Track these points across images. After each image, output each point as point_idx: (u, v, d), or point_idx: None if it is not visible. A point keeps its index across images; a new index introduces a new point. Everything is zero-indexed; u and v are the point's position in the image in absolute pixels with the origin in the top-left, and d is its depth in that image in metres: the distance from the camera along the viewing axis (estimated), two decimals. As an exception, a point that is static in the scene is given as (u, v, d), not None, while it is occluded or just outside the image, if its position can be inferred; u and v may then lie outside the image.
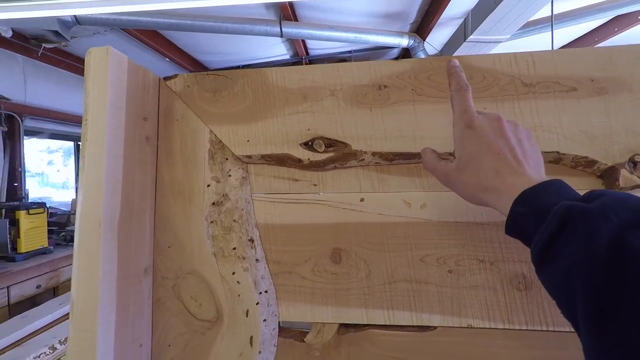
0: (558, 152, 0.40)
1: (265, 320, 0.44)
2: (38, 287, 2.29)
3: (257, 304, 0.44)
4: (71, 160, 4.26)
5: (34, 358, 1.44)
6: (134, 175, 0.42)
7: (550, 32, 1.97)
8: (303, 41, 3.40)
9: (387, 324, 0.42)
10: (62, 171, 4.40)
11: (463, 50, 2.32)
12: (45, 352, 1.49)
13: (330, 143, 0.43)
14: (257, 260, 0.44)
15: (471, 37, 2.15)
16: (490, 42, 2.21)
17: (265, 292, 0.44)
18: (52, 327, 1.72)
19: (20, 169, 2.88)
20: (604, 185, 0.39)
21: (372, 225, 0.43)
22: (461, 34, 2.31)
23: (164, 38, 3.38)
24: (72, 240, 2.77)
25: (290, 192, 0.45)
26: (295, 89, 0.44)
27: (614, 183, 0.39)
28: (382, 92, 0.43)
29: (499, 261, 0.41)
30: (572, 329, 0.39)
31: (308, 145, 0.44)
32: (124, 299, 0.41)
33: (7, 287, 2.10)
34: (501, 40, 2.19)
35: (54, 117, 3.29)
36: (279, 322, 0.44)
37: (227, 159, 0.45)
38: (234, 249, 0.44)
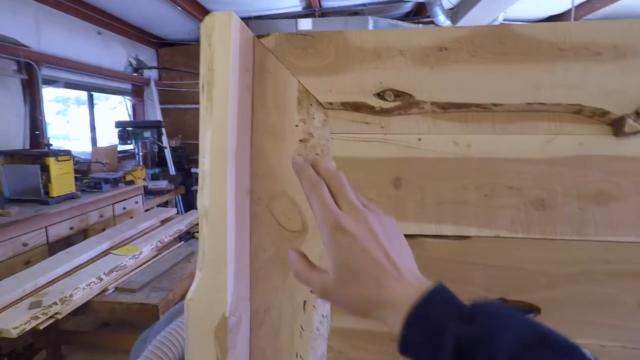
0: (580, 104, 0.51)
1: (340, 231, 0.57)
2: (71, 228, 2.47)
3: (335, 218, 0.57)
4: (81, 110, 4.27)
5: (85, 286, 1.63)
6: (241, 117, 0.53)
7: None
8: (316, -8, 3.34)
9: (434, 234, 0.56)
10: (71, 122, 4.42)
11: (481, 6, 2.32)
12: (94, 282, 1.67)
13: (398, 94, 0.54)
14: (334, 185, 0.57)
15: (490, -8, 2.15)
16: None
17: (341, 210, 0.57)
18: (94, 261, 1.91)
19: (40, 118, 2.96)
20: (612, 130, 0.51)
21: (427, 159, 0.55)
22: (480, -11, 2.31)
23: (175, -15, 3.33)
24: (95, 187, 2.92)
25: (362, 132, 0.56)
26: (370, 48, 0.54)
27: (620, 129, 0.50)
28: (443, 53, 0.53)
29: (523, 188, 0.54)
30: (575, 236, 0.53)
31: (379, 95, 0.54)
32: (238, 210, 0.53)
33: (45, 227, 2.27)
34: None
35: (69, 66, 3.31)
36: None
37: (312, 105, 0.56)
38: (317, 176, 0.57)
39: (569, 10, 3.32)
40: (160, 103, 4.72)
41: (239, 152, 0.54)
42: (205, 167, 0.51)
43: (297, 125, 0.57)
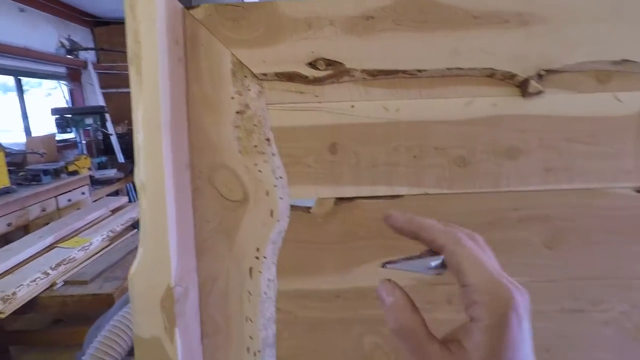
0: (492, 68, 0.56)
1: (281, 198, 0.59)
2: (9, 225, 2.31)
3: (275, 186, 0.59)
4: (9, 97, 3.92)
5: (30, 282, 1.55)
6: (174, 90, 0.53)
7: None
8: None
9: (370, 195, 0.60)
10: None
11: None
12: (39, 277, 1.60)
13: (329, 63, 0.56)
14: (273, 154, 0.59)
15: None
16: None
17: (280, 177, 0.59)
18: (38, 257, 1.81)
19: (-38, 107, 2.67)
20: (520, 92, 0.57)
21: (360, 125, 0.58)
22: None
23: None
24: (33, 179, 2.72)
25: (297, 101, 0.58)
26: (301, 18, 0.55)
27: (526, 90, 0.56)
28: (369, 22, 0.55)
29: (447, 148, 0.59)
30: (491, 189, 0.58)
31: (312, 64, 0.56)
32: (177, 184, 0.54)
33: (-22, 225, 2.11)
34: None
35: (-10, 48, 3.00)
36: (291, 200, 0.60)
37: (246, 77, 0.57)
38: (255, 146, 0.58)
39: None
40: (102, 87, 4.43)
41: (175, 125, 0.54)
42: (139, 141, 0.51)
43: (233, 97, 0.57)
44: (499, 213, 0.61)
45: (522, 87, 0.57)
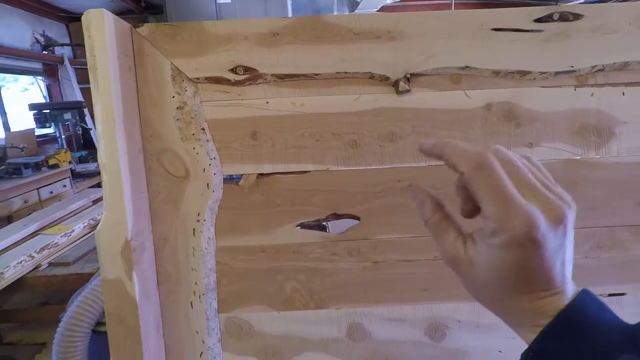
0: (371, 72, 0.74)
1: (215, 174, 0.77)
2: (-8, 215, 2.42)
3: (210, 165, 0.76)
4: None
5: (17, 264, 1.70)
6: (125, 91, 0.70)
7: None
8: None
9: (284, 171, 0.77)
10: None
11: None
12: (25, 259, 1.74)
13: (246, 69, 0.73)
14: (207, 140, 0.76)
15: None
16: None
17: (213, 158, 0.76)
18: (22, 243, 1.94)
19: (-60, 103, 2.75)
20: (394, 90, 0.75)
21: (274, 117, 0.76)
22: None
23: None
24: (14, 172, 2.83)
25: (224, 99, 0.75)
26: (223, 35, 0.72)
27: (397, 89, 0.74)
28: (275, 37, 0.73)
29: (342, 133, 0.77)
30: (378, 165, 0.76)
31: (233, 70, 0.73)
32: (132, 163, 0.71)
33: (-37, 216, 2.22)
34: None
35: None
36: (223, 175, 0.77)
37: (183, 80, 0.74)
38: (193, 134, 0.75)
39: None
40: (79, 82, 4.49)
41: (128, 119, 0.70)
42: (99, 131, 0.68)
43: (173, 97, 0.74)
44: (385, 184, 0.79)
45: (395, 87, 0.75)
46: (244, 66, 0.73)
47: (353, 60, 0.74)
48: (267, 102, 0.75)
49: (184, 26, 0.72)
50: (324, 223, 0.84)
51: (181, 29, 0.72)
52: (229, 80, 0.74)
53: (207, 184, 0.77)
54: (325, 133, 0.77)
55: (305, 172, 0.78)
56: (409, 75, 0.74)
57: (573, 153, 0.76)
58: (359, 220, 0.80)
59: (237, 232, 0.80)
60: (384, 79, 0.75)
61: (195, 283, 0.79)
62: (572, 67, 0.74)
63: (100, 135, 0.67)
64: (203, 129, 0.75)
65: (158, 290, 0.79)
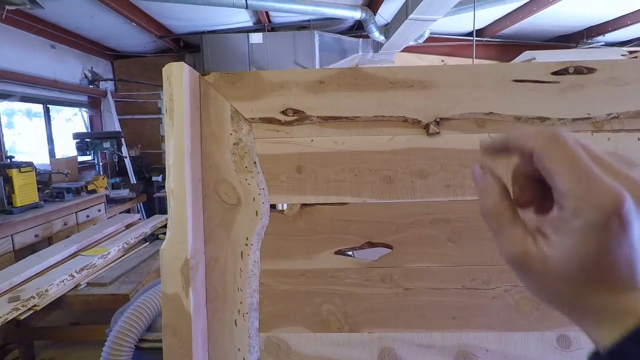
0: (404, 116, 0.84)
1: (263, 202, 0.86)
2: (36, 236, 2.59)
3: (259, 194, 0.86)
4: (33, 122, 4.28)
5: (59, 282, 1.81)
6: (193, 129, 0.81)
7: (473, 12, 2.41)
8: (266, 11, 3.63)
9: (324, 202, 0.86)
10: (23, 134, 4.40)
11: (406, 25, 2.72)
12: (66, 279, 1.86)
13: (295, 111, 0.84)
14: (258, 172, 0.86)
15: (411, 15, 2.54)
16: (426, 20, 2.62)
17: (263, 189, 0.86)
18: (64, 262, 2.07)
19: (-2, 131, 3.02)
20: (425, 132, 0.84)
21: (317, 153, 0.86)
22: (403, 12, 2.70)
23: (129, 3, 3.50)
24: (57, 196, 3.03)
25: (274, 137, 0.86)
26: (277, 82, 0.84)
27: (428, 131, 0.83)
28: (321, 85, 0.84)
29: (378, 170, 0.85)
30: (410, 199, 0.84)
31: (284, 112, 0.84)
32: (193, 191, 0.81)
33: (11, 235, 2.39)
34: (435, 19, 2.61)
35: (25, 80, 3.39)
36: (270, 204, 0.87)
37: (240, 120, 0.85)
38: (246, 167, 0.86)
39: (485, 27, 3.87)
40: (118, 114, 4.81)
41: (192, 152, 0.82)
42: (170, 162, 0.79)
43: (231, 134, 0.85)
44: (416, 216, 0.86)
45: (426, 129, 0.84)
46: (293, 109, 0.84)
47: (389, 105, 0.84)
48: (312, 140, 0.86)
49: (244, 74, 0.85)
50: (349, 252, 0.91)
51: (241, 77, 0.85)
52: (279, 120, 0.85)
53: (256, 211, 0.86)
54: (362, 169, 0.86)
55: (344, 203, 0.86)
56: (438, 120, 0.83)
57: (593, 192, 0.82)
58: (392, 249, 0.87)
59: (280, 256, 0.88)
60: (416, 122, 0.84)
61: (240, 302, 0.87)
62: (589, 114, 0.81)
63: (171, 165, 0.78)
64: (255, 163, 0.86)
65: (206, 308, 0.87)
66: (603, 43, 4.45)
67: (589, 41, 4.29)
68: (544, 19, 3.71)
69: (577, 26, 4.16)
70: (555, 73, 0.81)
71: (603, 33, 4.07)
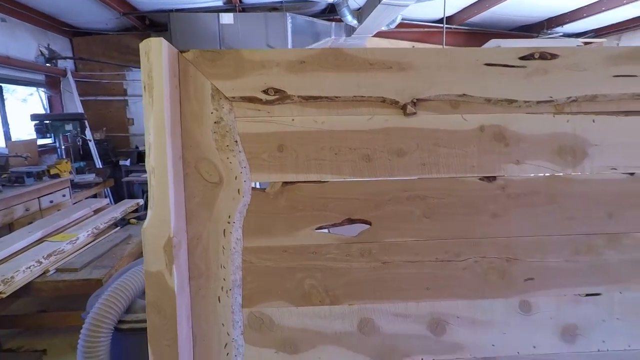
0: (383, 96, 0.86)
1: (245, 181, 0.87)
2: (-5, 223, 2.45)
3: (241, 173, 0.87)
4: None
5: (26, 268, 1.74)
6: (172, 107, 0.81)
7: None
8: (238, -10, 3.52)
9: (305, 180, 0.88)
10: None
11: (379, 10, 2.74)
12: (33, 265, 1.79)
13: (276, 91, 0.85)
14: (239, 151, 0.87)
15: (384, 0, 2.56)
16: (398, 5, 2.65)
17: (244, 167, 0.87)
18: (30, 248, 1.99)
19: (-54, 112, 2.79)
20: (402, 112, 0.87)
21: (298, 132, 0.87)
22: (377, -3, 2.72)
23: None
24: (17, 181, 2.87)
25: (256, 116, 0.86)
26: (258, 61, 0.84)
27: (405, 111, 0.87)
28: (302, 64, 0.85)
29: (357, 148, 0.88)
30: (387, 177, 0.88)
31: (265, 91, 0.85)
32: (174, 169, 0.81)
33: (-33, 222, 2.25)
34: (407, 5, 2.64)
35: (-26, 56, 3.13)
36: (252, 183, 0.88)
37: (221, 99, 0.85)
38: (227, 145, 0.86)
39: (454, 14, 3.95)
40: (80, 95, 4.56)
41: (173, 131, 0.81)
42: (150, 139, 0.78)
43: (212, 112, 0.85)
44: (393, 193, 0.90)
45: (403, 109, 0.87)
46: (275, 88, 0.85)
47: (368, 86, 0.86)
48: (293, 120, 0.87)
49: (224, 52, 0.84)
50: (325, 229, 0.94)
51: (221, 55, 0.84)
52: (260, 99, 0.85)
53: (238, 189, 0.87)
54: (342, 148, 0.88)
55: (324, 181, 0.89)
56: (415, 100, 0.87)
57: (554, 170, 0.89)
58: (370, 225, 0.91)
59: (262, 233, 0.90)
60: (394, 103, 0.87)
61: (224, 279, 0.88)
62: (551, 97, 0.87)
63: (151, 143, 0.78)
64: (236, 141, 0.86)
65: (190, 285, 0.88)
66: (561, 34, 4.67)
67: (549, 32, 4.50)
68: (509, 9, 3.84)
69: (538, 17, 4.34)
70: (522, 58, 0.86)
71: (562, 24, 4.28)
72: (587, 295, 0.93)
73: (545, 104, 0.87)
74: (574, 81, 0.86)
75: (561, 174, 0.90)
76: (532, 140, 0.88)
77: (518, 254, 0.91)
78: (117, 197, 4.41)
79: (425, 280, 0.92)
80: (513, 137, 0.89)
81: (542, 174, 0.89)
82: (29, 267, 1.76)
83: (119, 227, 2.43)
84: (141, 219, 2.72)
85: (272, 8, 3.91)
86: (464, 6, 3.83)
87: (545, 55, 0.85)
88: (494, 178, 0.90)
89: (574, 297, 0.92)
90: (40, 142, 3.95)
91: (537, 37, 4.61)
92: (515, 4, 3.62)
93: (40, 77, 4.25)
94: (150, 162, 0.78)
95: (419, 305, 0.92)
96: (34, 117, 3.66)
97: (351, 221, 0.92)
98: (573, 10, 3.95)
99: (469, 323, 0.93)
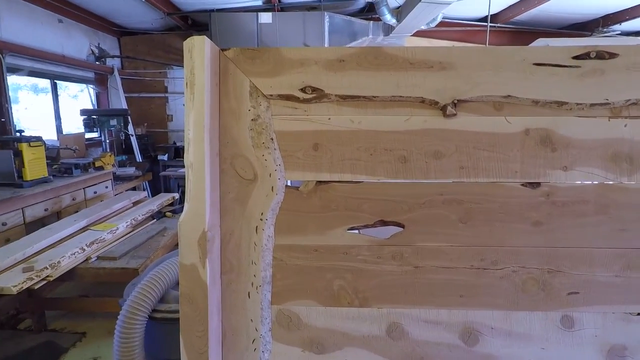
0: (422, 97, 0.84)
1: (279, 178, 0.87)
2: (46, 210, 2.62)
3: (275, 170, 0.87)
4: (42, 97, 4.26)
5: (70, 254, 1.85)
6: (212, 104, 0.82)
7: (489, -1, 2.37)
8: (277, -10, 3.57)
9: (339, 180, 0.87)
10: (29, 109, 4.38)
11: (419, 8, 2.68)
12: (77, 251, 1.89)
13: (314, 89, 0.85)
14: (275, 149, 0.87)
15: (425, -1, 2.50)
16: (440, 3, 2.58)
17: (279, 165, 0.87)
18: (74, 236, 2.11)
19: (7, 105, 3.03)
20: (441, 113, 0.84)
21: (334, 131, 0.86)
22: (417, -4, 2.66)
23: (139, -22, 3.42)
24: (66, 172, 3.05)
25: (292, 114, 0.86)
26: (296, 59, 0.84)
27: (445, 113, 0.84)
28: (341, 63, 0.84)
29: (393, 149, 0.86)
30: (423, 179, 0.85)
31: (302, 90, 0.85)
32: (211, 165, 0.82)
33: (22, 208, 2.42)
34: (450, 2, 2.56)
35: (33, 54, 3.37)
36: (286, 181, 0.88)
37: (259, 96, 0.86)
38: (263, 143, 0.87)
39: (499, 13, 3.80)
40: (124, 91, 4.79)
41: (211, 127, 0.83)
42: (190, 136, 0.80)
43: (249, 110, 0.86)
44: (428, 196, 0.88)
45: (443, 111, 0.84)
46: (312, 86, 0.85)
47: (407, 86, 0.84)
48: (329, 119, 0.86)
49: (264, 50, 0.85)
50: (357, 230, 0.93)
51: (261, 53, 0.85)
52: (298, 98, 0.85)
53: (272, 187, 0.87)
54: (378, 148, 0.87)
55: (359, 182, 0.87)
56: (456, 101, 0.84)
57: (606, 178, 0.83)
58: (404, 227, 0.88)
59: (293, 232, 0.90)
60: (433, 104, 0.84)
61: (254, 275, 0.89)
62: (607, 100, 0.81)
63: (191, 139, 0.79)
64: (272, 139, 0.87)
65: (221, 279, 0.89)
66: (619, 32, 4.34)
67: (605, 30, 4.19)
68: (559, 6, 3.63)
69: (593, 14, 4.05)
70: (576, 57, 0.81)
71: (620, 22, 3.95)
72: (639, 314, 0.86)
73: (600, 107, 0.82)
74: (634, 82, 0.80)
75: (612, 182, 0.84)
76: (583, 146, 0.83)
77: (561, 266, 0.86)
78: (154, 191, 4.60)
79: (458, 287, 0.89)
80: (561, 141, 0.84)
81: (592, 182, 0.84)
82: (74, 254, 1.86)
83: (155, 220, 2.53)
84: (176, 212, 2.82)
85: (311, 7, 3.93)
86: (510, 4, 3.65)
87: (603, 55, 0.79)
88: (537, 184, 0.85)
89: (624, 316, 0.86)
90: (88, 135, 4.19)
91: (590, 35, 4.30)
92: (566, 1, 3.41)
93: (90, 75, 4.51)
94: (189, 157, 0.80)
95: (451, 313, 0.89)
96: (83, 112, 3.88)
97: (384, 223, 0.90)
98: (634, 7, 3.63)
99: (504, 335, 0.88)
